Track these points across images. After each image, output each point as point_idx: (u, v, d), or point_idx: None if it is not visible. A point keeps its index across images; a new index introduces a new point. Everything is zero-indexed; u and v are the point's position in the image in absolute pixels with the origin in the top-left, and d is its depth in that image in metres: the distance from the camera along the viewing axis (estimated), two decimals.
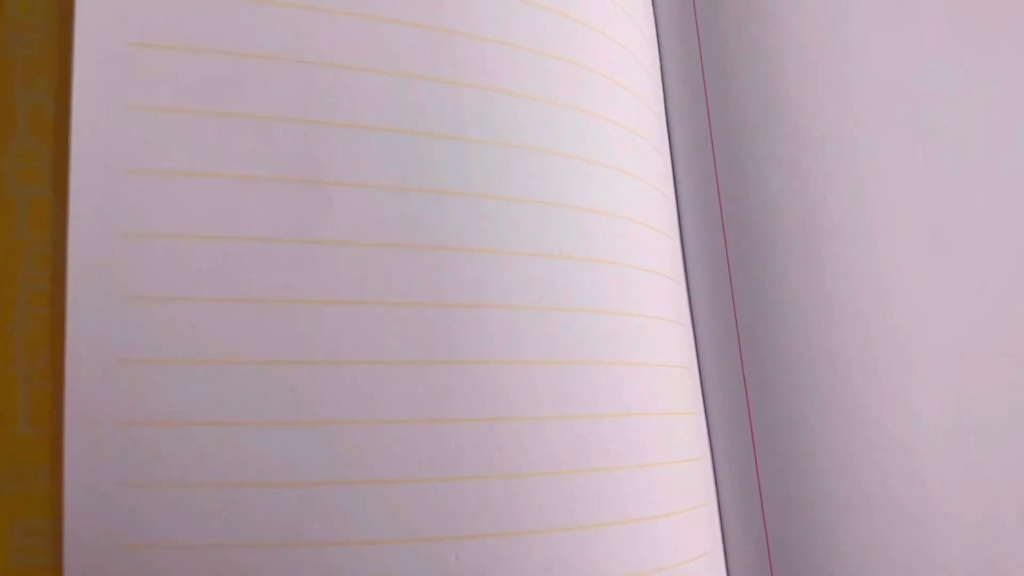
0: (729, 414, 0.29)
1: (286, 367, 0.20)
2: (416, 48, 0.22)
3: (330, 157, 0.21)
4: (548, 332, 0.23)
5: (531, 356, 0.22)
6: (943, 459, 0.28)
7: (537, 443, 0.22)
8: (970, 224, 0.30)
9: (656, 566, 0.25)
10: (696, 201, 0.30)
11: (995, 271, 0.30)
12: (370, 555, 0.20)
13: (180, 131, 0.20)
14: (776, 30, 0.31)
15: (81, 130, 0.19)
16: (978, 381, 0.29)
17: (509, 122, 0.23)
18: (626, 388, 0.25)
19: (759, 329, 0.29)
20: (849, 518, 0.28)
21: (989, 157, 0.31)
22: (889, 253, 0.29)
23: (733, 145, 0.30)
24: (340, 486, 0.20)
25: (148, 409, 0.20)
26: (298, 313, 0.20)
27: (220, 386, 0.20)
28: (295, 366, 0.20)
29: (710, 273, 0.30)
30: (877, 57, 0.31)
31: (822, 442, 0.28)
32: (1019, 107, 0.31)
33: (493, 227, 0.22)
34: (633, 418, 0.25)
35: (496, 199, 0.22)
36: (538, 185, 0.23)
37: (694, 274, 0.30)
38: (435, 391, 0.21)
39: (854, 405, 0.29)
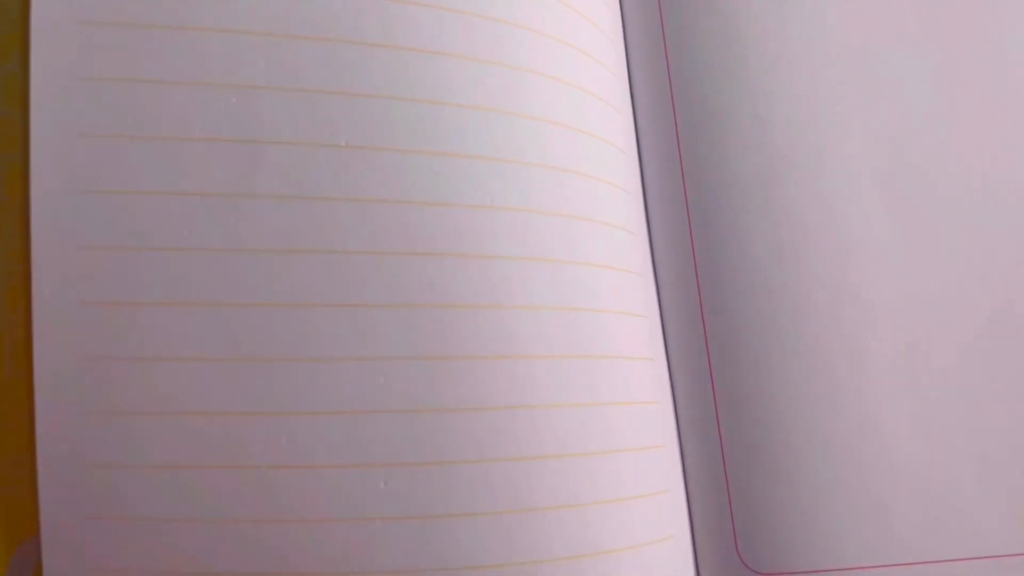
0: (689, 360, 0.30)
1: (222, 309, 0.22)
2: (345, 13, 0.24)
3: (261, 118, 0.23)
4: (480, 278, 0.24)
5: (468, 300, 0.24)
6: (897, 402, 0.29)
7: (467, 380, 0.24)
8: (924, 175, 0.30)
9: (602, 498, 0.26)
10: (657, 156, 0.31)
11: (947, 220, 0.30)
12: (307, 478, 0.23)
13: (123, 99, 0.22)
14: None
15: (39, 99, 0.22)
16: (931, 325, 0.29)
17: (440, 81, 0.24)
18: (575, 329, 0.26)
19: (719, 278, 0.30)
20: (805, 461, 0.29)
21: (942, 110, 0.31)
22: (845, 204, 0.30)
23: (693, 100, 0.31)
24: (275, 416, 0.23)
25: (107, 343, 0.22)
26: (233, 260, 0.22)
27: (166, 324, 0.22)
28: (230, 308, 0.22)
29: (671, 224, 0.31)
30: (834, 13, 0.31)
31: (780, 387, 0.29)
32: (971, 62, 0.31)
33: (422, 180, 0.24)
34: (582, 360, 0.26)
35: (426, 154, 0.24)
36: (471, 139, 0.25)
37: (656, 226, 0.31)
38: (363, 331, 0.23)
39: (811, 350, 0.29)
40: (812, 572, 0.28)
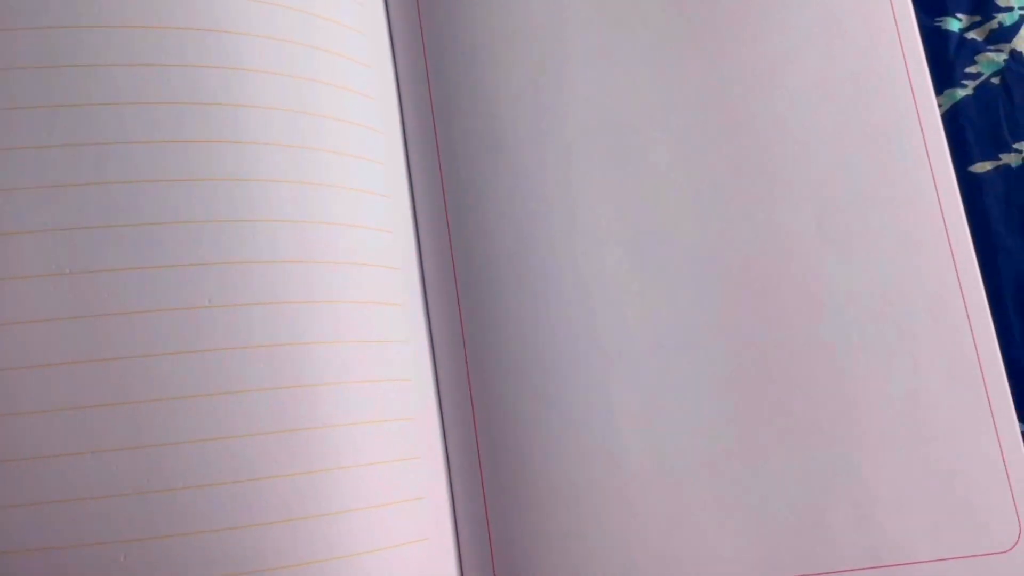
0: (457, 415, 0.33)
1: None
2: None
3: None
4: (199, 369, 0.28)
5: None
6: (638, 446, 0.32)
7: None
8: (662, 239, 0.33)
9: (353, 551, 0.29)
10: (430, 232, 0.34)
11: (686, 276, 0.33)
12: (49, 559, 0.26)
13: None
14: (495, 74, 0.34)
15: None
16: (667, 374, 0.32)
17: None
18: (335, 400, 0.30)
19: (484, 342, 0.33)
20: (560, 503, 0.32)
21: (680, 175, 0.34)
22: (595, 268, 0.33)
23: (459, 177, 0.34)
24: (17, 508, 0.26)
25: None
26: None
27: None
28: None
29: (442, 293, 0.34)
30: (585, 88, 0.34)
31: (535, 436, 0.32)
32: (707, 133, 0.34)
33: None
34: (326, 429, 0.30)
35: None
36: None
37: (431, 296, 0.34)
38: (86, 424, 0.27)
39: (563, 401, 0.32)
40: None
